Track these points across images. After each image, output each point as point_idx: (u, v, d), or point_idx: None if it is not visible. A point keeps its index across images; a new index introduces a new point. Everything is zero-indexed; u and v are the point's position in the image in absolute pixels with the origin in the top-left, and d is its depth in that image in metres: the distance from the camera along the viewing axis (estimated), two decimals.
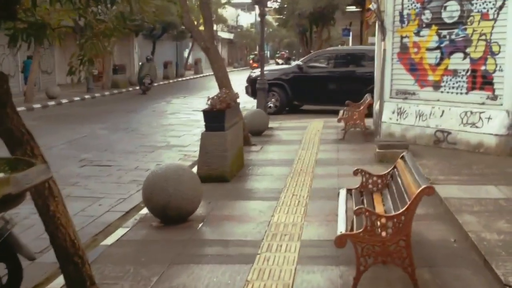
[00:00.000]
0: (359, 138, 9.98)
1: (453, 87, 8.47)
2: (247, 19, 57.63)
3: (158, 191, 5.01)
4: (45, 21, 4.28)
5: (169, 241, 4.71)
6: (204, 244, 4.63)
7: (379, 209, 4.31)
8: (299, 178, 6.97)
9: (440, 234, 4.80)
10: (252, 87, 14.78)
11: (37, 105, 16.65)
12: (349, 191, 4.80)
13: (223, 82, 9.06)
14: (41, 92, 18.87)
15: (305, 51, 27.25)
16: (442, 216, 5.26)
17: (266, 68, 14.63)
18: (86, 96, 20.06)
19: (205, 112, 6.85)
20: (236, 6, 54.43)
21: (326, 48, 18.94)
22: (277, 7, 25.88)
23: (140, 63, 24.33)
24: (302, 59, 16.25)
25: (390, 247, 3.43)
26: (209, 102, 6.90)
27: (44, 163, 3.54)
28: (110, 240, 4.79)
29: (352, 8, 24.84)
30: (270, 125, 11.62)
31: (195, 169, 7.14)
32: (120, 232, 5.01)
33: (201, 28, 9.32)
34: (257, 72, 15.62)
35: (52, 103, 17.63)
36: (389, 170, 4.78)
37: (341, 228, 3.68)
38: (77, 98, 19.30)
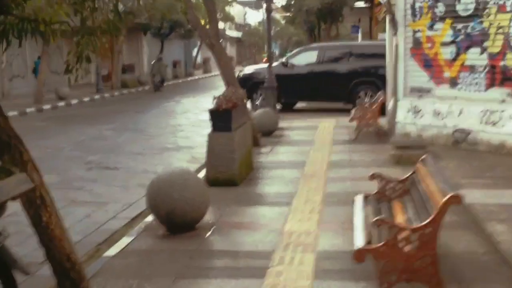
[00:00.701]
0: (372, 139, 9.67)
1: (470, 84, 8.13)
2: (255, 17, 57.26)
3: (162, 197, 4.75)
4: (38, 16, 4.04)
5: (175, 251, 4.45)
6: (212, 256, 4.37)
7: (399, 219, 4.02)
8: (311, 182, 6.69)
9: (467, 245, 4.49)
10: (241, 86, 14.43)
11: (47, 106, 16.53)
12: (365, 197, 4.51)
13: (230, 80, 8.80)
14: (51, 93, 18.75)
15: None
16: (467, 225, 4.94)
17: (255, 67, 14.41)
18: (96, 97, 19.93)
19: (212, 111, 6.59)
20: (244, 4, 54.15)
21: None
22: (284, 3, 25.52)
23: (152, 62, 24.93)
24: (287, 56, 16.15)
25: (415, 264, 3.14)
26: (215, 102, 6.64)
27: (34, 170, 3.30)
28: (113, 250, 4.55)
29: (361, 4, 24.47)
30: (280, 124, 11.35)
31: (203, 172, 6.90)
32: (124, 241, 4.76)
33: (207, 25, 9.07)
34: (245, 70, 15.83)
35: (61, 103, 17.51)
36: (408, 174, 4.49)
37: (359, 242, 3.40)
38: (86, 99, 19.16)
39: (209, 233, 4.90)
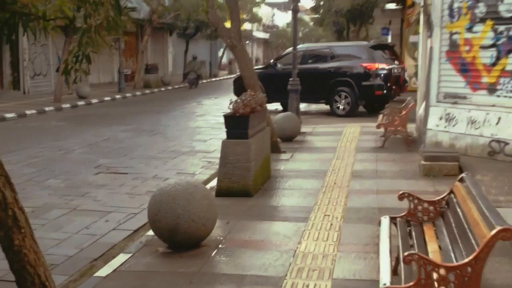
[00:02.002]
0: (400, 147, 9.01)
1: (511, 91, 7.41)
2: (283, 18, 56.65)
3: (164, 212, 4.27)
4: (32, 11, 3.62)
5: (175, 274, 3.96)
6: (215, 280, 3.85)
7: (432, 247, 3.44)
8: (332, 194, 6.11)
9: (509, 276, 3.86)
10: (235, 86, 15.30)
11: (66, 105, 16.34)
12: (393, 219, 3.92)
13: (251, 83, 8.29)
14: (73, 91, 18.59)
15: None
16: (508, 251, 4.30)
17: (256, 67, 14.28)
18: (117, 96, 19.70)
19: (227, 117, 6.10)
20: (272, 5, 53.66)
21: None
22: (313, 4, 24.87)
23: (187, 61, 26.44)
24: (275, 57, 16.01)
25: None
26: (231, 106, 6.14)
27: (6, 186, 2.83)
28: (106, 270, 4.08)
29: (392, 6, 23.65)
30: (303, 129, 10.79)
31: (215, 181, 6.40)
32: (120, 259, 4.30)
33: (228, 24, 8.57)
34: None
35: (81, 103, 17.31)
36: (444, 195, 3.89)
37: (385, 278, 2.83)
38: (107, 98, 18.95)
39: (215, 252, 4.39)
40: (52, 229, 5.27)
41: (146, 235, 4.82)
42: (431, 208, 3.88)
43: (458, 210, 3.49)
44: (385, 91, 13.44)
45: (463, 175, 3.76)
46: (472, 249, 2.88)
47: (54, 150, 9.27)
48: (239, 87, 14.71)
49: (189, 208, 4.27)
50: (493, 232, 2.63)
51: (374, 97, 13.66)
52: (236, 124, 6.04)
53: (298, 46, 16.21)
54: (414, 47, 20.89)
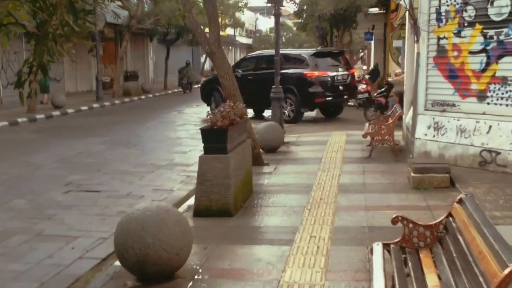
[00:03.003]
0: (388, 156, 8.67)
1: (502, 98, 7.11)
2: (267, 23, 56.49)
3: (132, 242, 3.82)
4: None
5: None
6: None
7: (432, 279, 3.05)
8: (318, 211, 5.71)
9: None
10: (203, 91, 16.16)
11: (41, 116, 15.73)
12: (386, 246, 3.53)
13: (231, 92, 7.87)
14: (47, 101, 18.00)
15: None
16: None
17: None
18: (95, 105, 19.11)
19: (204, 130, 5.66)
20: (255, 10, 53.46)
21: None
22: (295, 9, 24.59)
23: (179, 68, 27.54)
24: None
25: None
26: (208, 118, 5.71)
27: None
28: None
29: (375, 10, 23.45)
30: (287, 139, 10.40)
31: (192, 200, 5.95)
32: None
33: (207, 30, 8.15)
34: (210, 75, 16.89)
35: (57, 113, 16.70)
36: (441, 218, 3.51)
37: None
38: (84, 108, 18.35)
39: (190, 284, 3.95)
40: (12, 259, 4.77)
41: (114, 266, 4.35)
42: (428, 233, 3.50)
43: (459, 237, 3.12)
44: (327, 98, 13.79)
45: (462, 196, 3.38)
46: (480, 287, 2.51)
47: (22, 166, 8.72)
48: (208, 93, 15.81)
49: (160, 236, 3.82)
50: (507, 271, 2.25)
51: (315, 104, 14.00)
52: (214, 138, 5.61)
53: (253, 53, 17.25)
54: (398, 52, 20.71)
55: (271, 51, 17.43)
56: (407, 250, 3.51)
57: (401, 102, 13.18)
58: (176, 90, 28.28)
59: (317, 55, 14.44)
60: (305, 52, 14.90)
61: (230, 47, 46.18)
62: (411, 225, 3.52)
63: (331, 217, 5.51)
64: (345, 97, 14.58)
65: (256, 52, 16.88)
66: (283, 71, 13.89)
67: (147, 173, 8.29)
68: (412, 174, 6.66)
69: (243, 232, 5.17)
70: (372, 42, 30.89)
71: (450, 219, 3.40)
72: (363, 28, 26.37)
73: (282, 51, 17.77)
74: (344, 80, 14.35)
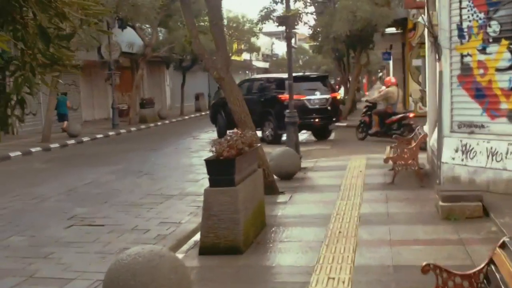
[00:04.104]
0: (412, 182, 8.08)
1: None
2: (283, 47, 56.52)
3: None
4: None
5: None
6: None
7: None
8: (337, 247, 5.17)
9: None
10: (211, 112, 17.25)
11: (55, 145, 15.54)
12: None
13: (241, 119, 7.45)
14: (68, 128, 17.87)
15: (343, 78, 25.53)
16: None
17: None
18: (110, 133, 18.92)
19: (209, 162, 5.22)
20: (271, 34, 53.58)
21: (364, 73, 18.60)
22: (310, 32, 24.29)
23: (215, 92, 27.16)
24: None
25: None
26: (213, 149, 5.27)
27: None
28: None
29: (392, 30, 23.04)
30: (304, 164, 9.90)
31: (198, 235, 5.46)
32: None
33: None
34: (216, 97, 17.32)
35: (72, 141, 16.52)
36: (481, 266, 2.95)
37: None
38: (100, 135, 18.17)
39: None
40: None
41: None
42: (466, 283, 2.94)
43: None
44: (301, 121, 13.87)
45: (505, 240, 2.83)
46: None
47: (26, 199, 8.38)
48: (214, 116, 16.93)
49: (152, 286, 3.34)
50: None
51: None
52: (220, 170, 5.16)
53: (249, 78, 17.37)
54: (418, 71, 20.19)
55: (263, 76, 19.37)
56: None
57: (383, 120, 13.66)
58: (192, 115, 28.09)
59: (297, 79, 15.03)
60: (284, 77, 15.76)
61: (247, 72, 46.15)
62: (445, 275, 2.97)
63: (351, 254, 4.96)
64: (332, 119, 15.13)
65: (250, 77, 18.01)
66: (266, 94, 15.12)
67: (156, 204, 7.85)
68: (441, 203, 6.08)
69: (253, 273, 4.66)
70: (391, 62, 30.42)
71: (493, 267, 2.84)
72: (380, 48, 25.95)
73: (268, 75, 18.81)
74: (323, 104, 14.87)
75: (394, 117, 13.54)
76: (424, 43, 17.87)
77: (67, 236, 6.30)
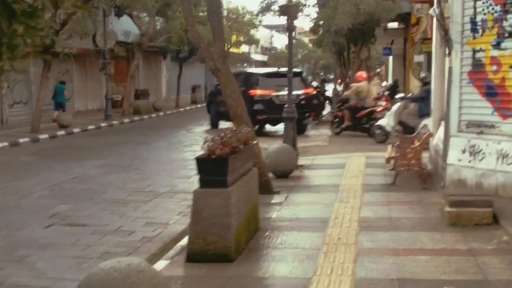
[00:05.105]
0: (414, 183, 7.66)
1: None
2: (282, 40, 55.98)
3: None
4: None
5: None
6: None
7: None
8: (336, 257, 4.74)
9: None
10: (207, 101, 18.17)
11: (44, 136, 15.02)
12: None
13: (237, 113, 7.00)
14: (57, 118, 17.36)
15: (343, 73, 25.05)
16: None
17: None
18: (102, 124, 18.41)
19: (200, 160, 4.77)
20: (270, 27, 53.04)
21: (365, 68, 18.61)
22: (311, 25, 23.78)
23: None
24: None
25: None
26: (205, 146, 4.83)
27: None
28: None
29: (395, 25, 22.56)
30: (301, 161, 9.47)
31: (186, 239, 5.02)
32: None
33: None
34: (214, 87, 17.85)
35: (62, 132, 16.00)
36: None
37: None
38: (91, 127, 17.66)
39: None
40: None
41: None
42: None
43: None
44: (269, 116, 14.32)
45: None
46: None
47: (8, 194, 7.91)
48: (208, 107, 17.55)
49: None
50: None
51: (258, 121, 14.34)
52: (212, 169, 4.72)
53: (235, 71, 17.82)
54: (420, 67, 19.71)
55: (250, 70, 19.75)
56: None
57: (354, 115, 13.72)
58: (188, 108, 27.60)
59: (268, 75, 15.47)
60: (258, 72, 16.26)
61: (245, 64, 45.59)
62: None
63: (352, 264, 4.54)
64: (304, 115, 14.80)
65: (238, 71, 17.85)
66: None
67: (143, 202, 7.40)
68: (448, 209, 5.66)
69: (244, 285, 4.24)
70: (391, 57, 29.91)
71: None
72: (381, 43, 25.45)
73: (244, 70, 18.90)
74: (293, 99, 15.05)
75: (363, 111, 13.77)
76: (427, 39, 17.43)
77: (46, 237, 5.84)
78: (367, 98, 14.32)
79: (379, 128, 12.64)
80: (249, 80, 15.25)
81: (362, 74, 15.31)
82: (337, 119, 14.64)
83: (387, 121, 12.38)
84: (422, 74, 13.98)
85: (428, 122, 11.22)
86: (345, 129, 14.11)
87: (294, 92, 15.08)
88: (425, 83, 12.15)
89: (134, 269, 3.07)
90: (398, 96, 14.85)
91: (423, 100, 11.78)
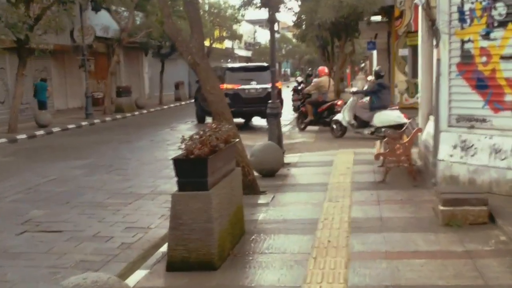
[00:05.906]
0: (404, 180, 7.43)
1: None
2: (265, 36, 55.61)
3: None
4: None
5: None
6: None
7: None
8: (327, 261, 4.48)
9: None
10: (195, 97, 18.13)
11: (22, 136, 14.55)
12: None
13: (218, 110, 6.68)
14: (33, 120, 16.87)
15: (327, 67, 24.81)
16: None
17: None
18: (83, 123, 17.93)
19: (177, 161, 4.45)
20: (254, 22, 52.63)
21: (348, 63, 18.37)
22: (294, 20, 23.50)
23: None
24: None
25: None
26: (183, 145, 4.52)
27: None
28: None
29: (378, 18, 22.37)
30: (287, 159, 9.21)
31: (165, 247, 4.71)
32: None
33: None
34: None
35: (41, 132, 15.53)
36: None
37: None
38: (71, 126, 17.18)
39: None
40: None
41: None
42: None
43: None
44: (235, 109, 13.88)
45: None
46: None
47: None
48: (196, 98, 17.32)
49: None
50: None
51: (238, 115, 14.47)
52: (191, 171, 4.41)
53: (215, 66, 18.00)
54: (404, 61, 19.59)
55: (228, 65, 20.13)
56: None
57: (316, 109, 13.74)
58: (172, 105, 27.17)
59: (236, 69, 15.91)
60: (225, 67, 16.56)
61: (229, 60, 45.18)
62: None
63: (343, 270, 4.27)
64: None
65: (218, 65, 18.00)
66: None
67: (123, 205, 7.06)
68: (441, 207, 5.42)
69: None
70: (375, 52, 29.78)
71: None
72: (365, 37, 25.29)
73: (218, 65, 18.69)
74: (259, 93, 15.20)
75: (324, 106, 13.89)
76: (411, 32, 17.29)
77: (18, 245, 5.49)
78: (328, 92, 14.47)
79: (336, 122, 12.63)
80: (222, 74, 15.25)
81: (324, 69, 15.46)
82: (301, 115, 14.67)
83: (342, 116, 12.47)
84: (377, 68, 14.15)
85: (384, 115, 11.42)
86: (309, 123, 14.17)
87: (260, 86, 15.31)
88: (378, 76, 12.25)
89: (105, 283, 2.75)
90: (351, 90, 15.02)
91: (374, 93, 11.90)
